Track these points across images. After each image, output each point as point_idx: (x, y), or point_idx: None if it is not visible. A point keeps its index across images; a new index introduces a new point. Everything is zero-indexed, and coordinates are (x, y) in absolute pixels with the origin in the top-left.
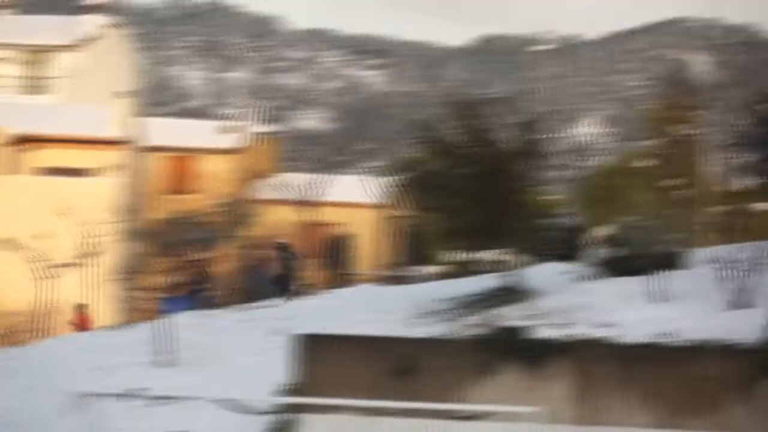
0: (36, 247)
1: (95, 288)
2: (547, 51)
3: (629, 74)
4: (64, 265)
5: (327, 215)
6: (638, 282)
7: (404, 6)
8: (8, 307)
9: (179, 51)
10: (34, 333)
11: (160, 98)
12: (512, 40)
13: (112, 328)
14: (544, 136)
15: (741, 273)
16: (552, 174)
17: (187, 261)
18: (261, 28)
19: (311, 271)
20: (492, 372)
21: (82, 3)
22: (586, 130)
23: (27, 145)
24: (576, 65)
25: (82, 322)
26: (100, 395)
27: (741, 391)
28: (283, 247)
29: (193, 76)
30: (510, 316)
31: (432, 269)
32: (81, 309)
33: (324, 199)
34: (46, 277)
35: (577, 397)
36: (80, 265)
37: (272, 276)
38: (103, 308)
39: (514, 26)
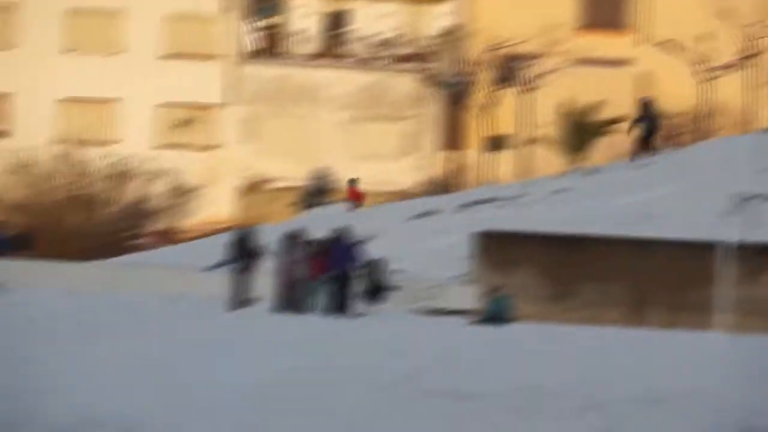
0: (697, 49)
1: (755, 90)
2: None
3: None
4: (724, 67)
5: None
6: None
7: None
8: (671, 108)
9: None
10: (696, 134)
11: None
12: None
13: None
14: None
15: None
16: None
17: None
18: None
19: None
20: None
21: None
22: None
23: None
24: None
25: (353, 197)
26: (763, 196)
27: None
28: None
29: None
30: None
31: None
32: (352, 184)
33: None
34: (707, 79)
35: None
36: (741, 66)
37: None
38: (763, 111)
39: None
